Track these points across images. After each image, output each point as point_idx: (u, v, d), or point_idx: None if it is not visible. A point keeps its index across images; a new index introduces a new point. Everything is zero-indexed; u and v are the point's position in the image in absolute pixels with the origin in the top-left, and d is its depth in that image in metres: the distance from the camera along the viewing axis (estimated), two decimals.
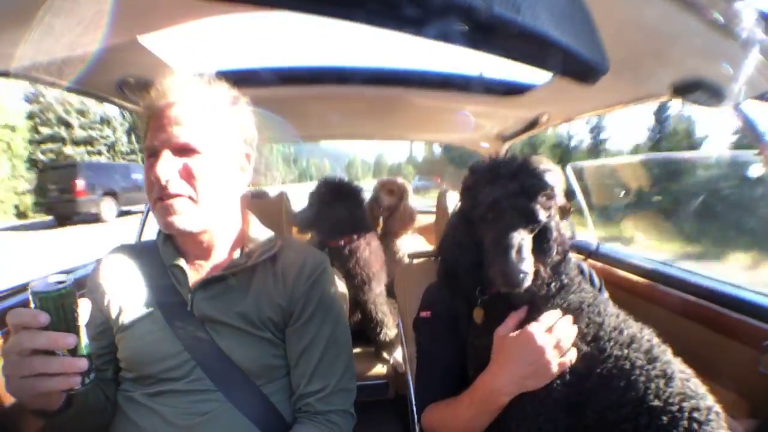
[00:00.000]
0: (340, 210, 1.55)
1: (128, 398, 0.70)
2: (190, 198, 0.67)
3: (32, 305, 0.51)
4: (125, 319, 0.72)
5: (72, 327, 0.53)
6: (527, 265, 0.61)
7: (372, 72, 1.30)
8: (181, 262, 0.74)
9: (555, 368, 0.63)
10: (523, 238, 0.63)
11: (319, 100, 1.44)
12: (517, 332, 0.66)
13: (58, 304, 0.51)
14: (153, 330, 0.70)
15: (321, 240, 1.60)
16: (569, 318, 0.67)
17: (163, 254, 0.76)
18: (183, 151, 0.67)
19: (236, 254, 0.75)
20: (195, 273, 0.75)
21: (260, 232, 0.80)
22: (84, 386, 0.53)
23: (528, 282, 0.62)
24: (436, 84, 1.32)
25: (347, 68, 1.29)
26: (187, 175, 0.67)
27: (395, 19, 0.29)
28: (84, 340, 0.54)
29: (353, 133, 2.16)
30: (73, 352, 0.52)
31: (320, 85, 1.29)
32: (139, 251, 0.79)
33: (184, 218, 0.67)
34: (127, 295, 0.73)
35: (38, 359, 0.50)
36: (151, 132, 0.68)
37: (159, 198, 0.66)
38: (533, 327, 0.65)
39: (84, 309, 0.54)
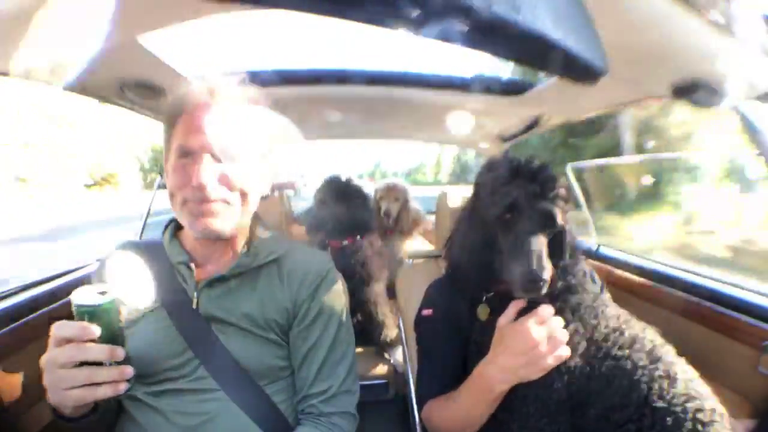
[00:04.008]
0: (344, 210, 1.54)
1: (130, 396, 0.69)
2: (226, 201, 0.69)
3: (78, 318, 0.52)
4: (129, 316, 0.71)
5: (119, 337, 0.55)
6: (547, 273, 0.60)
7: (372, 73, 1.30)
8: (188, 261, 0.74)
9: (549, 360, 0.62)
10: (542, 244, 0.62)
11: (320, 101, 1.45)
12: (513, 323, 0.65)
13: (105, 317, 0.53)
14: (157, 328, 0.70)
15: (322, 239, 1.59)
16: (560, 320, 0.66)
17: (169, 252, 0.76)
18: (222, 156, 0.68)
19: (242, 255, 0.75)
20: (201, 272, 0.75)
21: (266, 233, 0.80)
22: (127, 391, 0.56)
23: (545, 288, 0.61)
24: (436, 84, 1.32)
25: (347, 70, 1.29)
26: (226, 182, 0.68)
27: (395, 19, 0.29)
28: (127, 347, 0.56)
29: (354, 134, 2.16)
30: (118, 360, 0.54)
31: (321, 86, 1.29)
32: (144, 249, 0.79)
33: (222, 222, 0.69)
34: (132, 293, 0.73)
35: (86, 370, 0.52)
36: (187, 131, 0.67)
37: (196, 201, 0.67)
38: (528, 319, 0.64)
39: (124, 316, 0.56)
